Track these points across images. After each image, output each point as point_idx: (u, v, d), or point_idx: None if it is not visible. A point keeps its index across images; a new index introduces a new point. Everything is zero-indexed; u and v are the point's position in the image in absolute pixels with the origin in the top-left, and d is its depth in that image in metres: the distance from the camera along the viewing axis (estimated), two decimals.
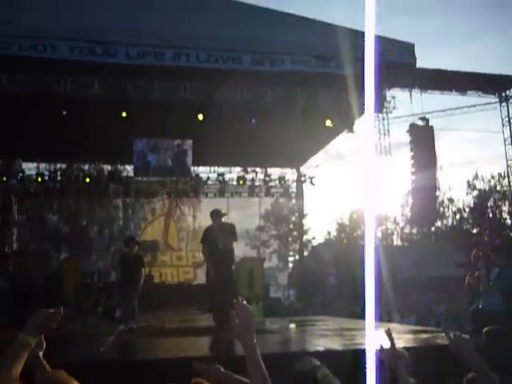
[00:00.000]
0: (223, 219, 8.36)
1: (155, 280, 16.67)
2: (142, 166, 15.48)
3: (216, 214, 8.28)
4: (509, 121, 18.29)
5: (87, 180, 17.63)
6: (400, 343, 4.78)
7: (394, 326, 6.58)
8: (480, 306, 5.87)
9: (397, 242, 29.59)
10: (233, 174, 19.31)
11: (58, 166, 18.03)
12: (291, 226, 22.46)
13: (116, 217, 18.47)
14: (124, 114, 12.10)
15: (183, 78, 11.47)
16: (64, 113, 11.85)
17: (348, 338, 5.78)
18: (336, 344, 5.45)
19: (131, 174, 17.53)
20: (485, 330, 4.19)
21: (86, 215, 19.31)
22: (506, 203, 29.52)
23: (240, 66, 10.73)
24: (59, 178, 17.85)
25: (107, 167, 18.50)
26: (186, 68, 10.77)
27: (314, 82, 12.22)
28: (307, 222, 26.33)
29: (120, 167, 18.56)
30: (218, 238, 7.80)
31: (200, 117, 12.73)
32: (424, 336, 6.17)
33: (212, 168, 19.17)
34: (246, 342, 1.86)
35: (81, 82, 11.01)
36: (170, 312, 11.61)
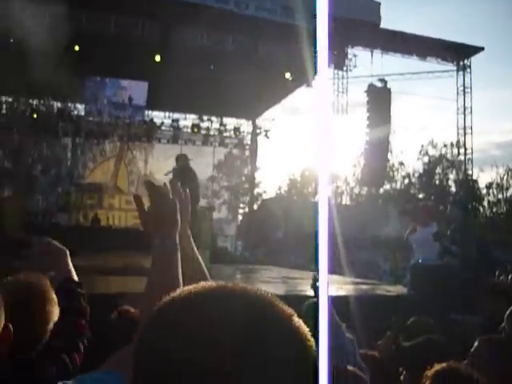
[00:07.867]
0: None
1: (102, 223, 16.41)
2: (93, 105, 14.93)
3: (180, 158, 8.38)
4: (463, 90, 18.61)
5: (34, 115, 16.88)
6: (342, 292, 4.90)
7: (337, 278, 6.76)
8: (420, 260, 6.08)
9: (346, 201, 30.14)
10: (188, 121, 18.98)
11: (4, 98, 17.16)
12: (243, 179, 22.42)
13: (64, 157, 17.83)
14: (77, 48, 11.54)
15: (141, 12, 11.00)
16: (12, 40, 11.19)
17: (291, 285, 5.89)
18: (279, 290, 5.55)
19: (82, 113, 16.91)
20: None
21: (32, 153, 18.56)
22: (454, 172, 30.45)
23: (203, 0, 10.40)
24: (4, 112, 17.04)
25: (57, 104, 17.69)
26: (145, 1, 10.35)
27: (277, 32, 11.99)
28: (259, 176, 26.47)
29: (70, 105, 17.81)
30: (179, 179, 6.85)
31: (157, 58, 12.31)
32: (363, 287, 6.37)
33: (166, 113, 18.75)
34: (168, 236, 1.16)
35: (29, 10, 10.36)
36: (115, 255, 11.37)
